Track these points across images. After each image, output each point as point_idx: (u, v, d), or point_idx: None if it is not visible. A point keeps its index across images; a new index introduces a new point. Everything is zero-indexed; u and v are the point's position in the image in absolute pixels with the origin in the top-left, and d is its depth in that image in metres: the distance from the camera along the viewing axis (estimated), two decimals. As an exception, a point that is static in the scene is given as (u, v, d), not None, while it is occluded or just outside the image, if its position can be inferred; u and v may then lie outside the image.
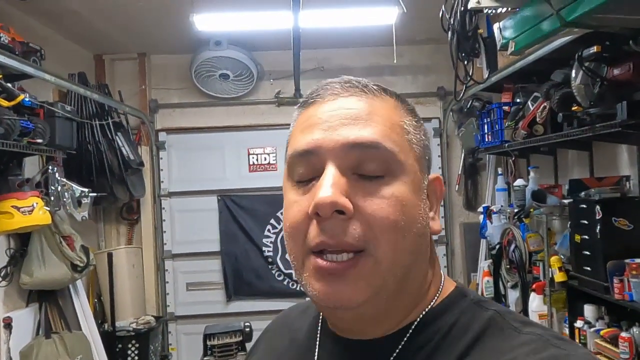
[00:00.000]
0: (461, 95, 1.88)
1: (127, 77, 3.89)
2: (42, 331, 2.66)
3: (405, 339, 0.57)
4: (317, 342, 0.64)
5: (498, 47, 1.29)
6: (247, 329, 2.60)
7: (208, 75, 3.73)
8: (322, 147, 0.54)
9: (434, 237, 0.64)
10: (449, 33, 1.59)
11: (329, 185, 0.52)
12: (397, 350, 0.56)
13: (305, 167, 0.56)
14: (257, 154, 3.99)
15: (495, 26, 1.28)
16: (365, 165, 0.54)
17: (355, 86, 0.58)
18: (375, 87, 0.59)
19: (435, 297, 0.60)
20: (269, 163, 3.98)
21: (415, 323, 0.57)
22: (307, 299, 0.78)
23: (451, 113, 3.88)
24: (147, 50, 3.86)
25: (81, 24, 3.19)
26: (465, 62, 1.67)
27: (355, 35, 3.51)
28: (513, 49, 1.22)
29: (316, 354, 0.63)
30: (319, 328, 0.65)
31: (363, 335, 0.58)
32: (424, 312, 0.58)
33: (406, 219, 0.54)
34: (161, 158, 3.95)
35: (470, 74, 1.70)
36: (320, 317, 0.66)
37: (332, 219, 0.52)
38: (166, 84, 3.95)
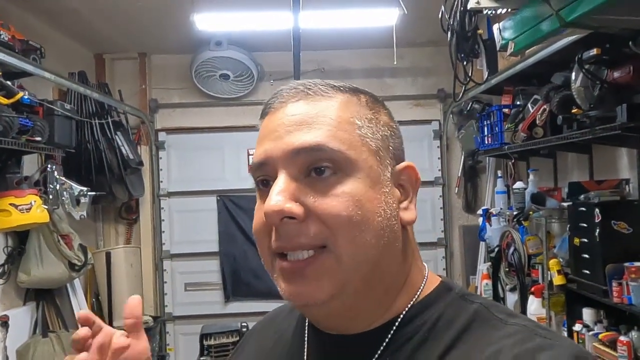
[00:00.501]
0: (460, 96, 1.88)
1: (128, 76, 3.89)
2: (39, 330, 2.65)
3: (392, 332, 0.57)
4: (306, 339, 0.64)
5: (498, 48, 1.29)
6: (244, 330, 2.61)
7: (208, 75, 3.73)
8: (272, 157, 0.56)
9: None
10: (449, 33, 1.59)
11: (276, 193, 0.53)
12: (384, 344, 0.57)
13: (264, 176, 0.58)
14: (256, 155, 3.98)
15: (495, 27, 1.28)
16: (314, 166, 0.55)
17: (301, 90, 0.59)
18: (322, 86, 0.59)
19: (419, 291, 0.60)
20: (268, 164, 3.97)
21: (401, 316, 0.58)
22: None
23: (451, 115, 3.88)
24: (147, 50, 3.86)
25: (81, 23, 3.19)
26: (465, 63, 1.67)
27: (355, 36, 3.51)
28: (512, 50, 1.22)
29: (305, 351, 0.63)
30: (307, 325, 0.65)
31: (347, 331, 0.59)
32: (409, 306, 0.58)
33: (362, 214, 0.54)
34: (160, 158, 3.94)
35: (470, 74, 1.70)
36: None
37: (285, 224, 0.53)
38: (166, 83, 3.95)
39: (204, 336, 2.57)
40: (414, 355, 0.55)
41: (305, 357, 0.63)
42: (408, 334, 0.57)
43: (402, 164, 0.60)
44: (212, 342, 2.55)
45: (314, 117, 0.57)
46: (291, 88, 0.60)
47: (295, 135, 0.56)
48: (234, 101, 3.95)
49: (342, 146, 0.55)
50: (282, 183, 0.54)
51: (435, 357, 0.54)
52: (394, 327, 0.57)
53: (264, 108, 0.62)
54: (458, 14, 1.52)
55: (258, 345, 0.73)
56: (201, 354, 2.56)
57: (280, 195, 0.53)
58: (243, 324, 2.64)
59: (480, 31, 1.58)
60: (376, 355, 0.57)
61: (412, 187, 0.60)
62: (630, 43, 1.14)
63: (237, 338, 2.56)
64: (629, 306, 1.91)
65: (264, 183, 0.58)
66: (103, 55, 3.83)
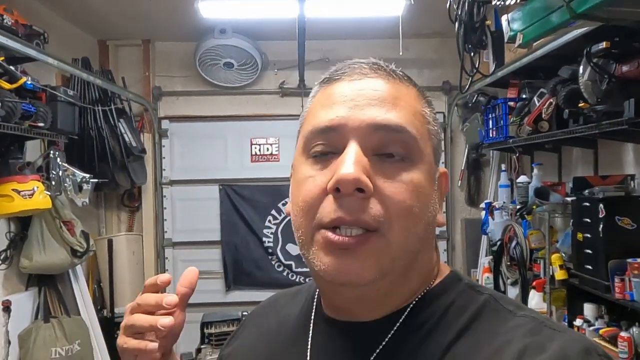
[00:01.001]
0: (467, 88, 1.86)
1: (131, 63, 3.87)
2: (41, 315, 2.66)
3: (401, 320, 0.57)
4: (311, 325, 0.63)
5: (506, 40, 1.27)
6: (245, 318, 2.62)
7: (212, 63, 3.70)
8: (346, 125, 0.54)
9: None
10: (456, 24, 1.57)
11: (353, 162, 0.51)
12: (392, 332, 0.56)
13: (325, 143, 0.55)
14: (259, 144, 3.97)
15: (504, 18, 1.26)
16: (387, 148, 0.54)
17: (383, 69, 0.58)
18: (401, 73, 0.60)
19: (432, 281, 0.60)
20: (271, 154, 3.96)
21: (412, 305, 0.58)
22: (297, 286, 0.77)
23: (456, 108, 3.86)
24: (151, 37, 3.84)
25: (85, 9, 3.17)
26: (472, 55, 1.65)
27: (361, 26, 3.48)
28: (521, 42, 1.20)
29: (310, 336, 0.62)
30: (313, 311, 0.64)
31: (359, 318, 0.58)
32: (420, 295, 0.58)
33: (420, 206, 0.54)
34: (163, 146, 3.94)
35: (477, 66, 1.68)
36: (315, 300, 0.66)
37: (351, 196, 0.51)
38: (170, 71, 3.93)
39: (204, 324, 2.58)
40: (423, 343, 0.55)
41: (309, 342, 0.62)
42: (418, 322, 0.56)
43: (442, 169, 0.61)
44: (212, 330, 2.56)
45: (396, 98, 0.56)
46: (372, 63, 0.59)
47: (378, 110, 0.54)
48: (237, 90, 3.93)
49: (417, 134, 0.55)
50: (357, 154, 0.52)
51: (444, 346, 0.53)
52: (405, 314, 0.57)
53: (332, 75, 0.59)
54: (466, 4, 1.50)
55: (258, 329, 0.72)
56: (202, 342, 2.57)
57: (357, 165, 0.51)
58: (244, 313, 2.65)
59: (488, 22, 1.55)
60: (384, 342, 0.56)
61: (441, 194, 0.61)
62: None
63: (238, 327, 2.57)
64: (630, 302, 1.91)
65: (324, 153, 0.55)
66: (107, 42, 3.81)
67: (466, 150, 3.83)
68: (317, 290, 0.66)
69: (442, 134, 3.89)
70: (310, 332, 0.63)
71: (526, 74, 2.71)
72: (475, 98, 3.26)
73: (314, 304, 0.65)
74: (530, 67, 2.56)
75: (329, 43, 3.79)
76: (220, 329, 2.55)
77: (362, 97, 0.55)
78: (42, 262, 2.60)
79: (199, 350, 2.54)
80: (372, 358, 0.56)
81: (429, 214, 0.56)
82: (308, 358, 0.60)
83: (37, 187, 2.31)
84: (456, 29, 1.56)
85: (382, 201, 0.52)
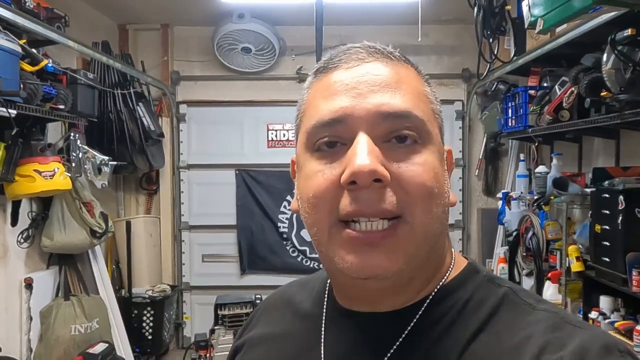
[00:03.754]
0: (485, 74, 1.83)
1: (150, 48, 3.90)
2: (61, 293, 2.74)
3: (420, 312, 0.55)
4: (324, 316, 0.62)
5: (526, 25, 1.24)
6: (258, 301, 2.65)
7: (230, 48, 3.71)
8: (352, 116, 0.52)
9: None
10: (475, 9, 1.54)
11: (366, 153, 0.49)
12: (412, 324, 0.55)
13: (330, 136, 0.53)
14: (276, 130, 3.98)
15: (524, 3, 1.23)
16: (397, 133, 0.52)
17: (380, 52, 0.56)
18: (398, 54, 0.57)
19: (449, 272, 0.59)
20: (287, 139, 3.97)
21: (431, 297, 0.56)
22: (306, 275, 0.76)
23: (475, 96, 3.80)
24: (170, 22, 3.85)
25: (105, -8, 3.19)
26: (491, 40, 1.62)
27: (379, 11, 3.43)
28: (542, 27, 1.17)
29: (323, 328, 0.61)
30: (325, 302, 0.63)
31: (377, 309, 0.57)
32: (438, 287, 0.57)
33: (438, 187, 0.53)
34: (181, 130, 3.98)
35: (496, 52, 1.65)
36: (327, 291, 0.64)
37: (367, 187, 0.50)
38: (188, 56, 3.95)
39: (218, 306, 2.63)
40: (443, 338, 0.53)
41: (322, 335, 0.60)
42: (437, 316, 0.55)
43: (447, 147, 0.59)
44: (226, 312, 2.60)
45: (398, 82, 0.54)
46: (369, 47, 0.56)
47: (382, 96, 0.52)
48: (255, 75, 3.93)
49: (424, 116, 0.54)
50: (369, 144, 0.50)
51: (464, 340, 0.52)
52: (423, 308, 0.56)
53: (327, 63, 0.57)
54: (486, -12, 1.47)
55: (273, 320, 0.70)
56: (215, 323, 2.62)
57: (371, 155, 0.49)
58: (257, 296, 2.69)
59: (508, 7, 1.52)
60: (403, 335, 0.55)
61: (449, 171, 0.59)
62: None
63: (251, 309, 2.60)
64: (648, 296, 1.88)
65: (330, 144, 0.53)
66: (126, 26, 3.84)
67: (484, 139, 3.78)
68: (329, 281, 0.64)
69: (461, 121, 3.87)
70: (324, 323, 0.61)
71: (548, 62, 2.65)
72: (495, 86, 3.20)
73: (326, 295, 0.64)
74: (552, 55, 2.50)
75: (347, 29, 3.75)
76: (233, 311, 2.59)
77: (363, 84, 0.53)
78: (62, 241, 2.66)
79: (212, 331, 2.59)
80: (392, 350, 0.55)
81: (445, 195, 0.54)
82: (322, 351, 0.58)
83: (58, 168, 2.36)
84: (475, 14, 1.53)
85: (400, 187, 0.51)
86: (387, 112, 0.52)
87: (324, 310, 0.62)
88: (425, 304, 0.56)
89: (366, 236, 0.50)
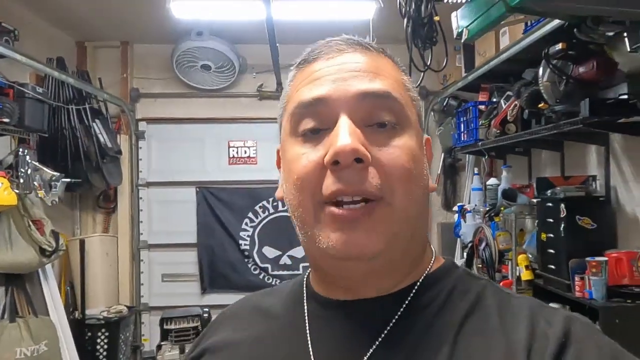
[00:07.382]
0: (419, 82, 1.88)
1: (110, 65, 3.87)
2: (7, 315, 2.63)
3: (409, 299, 0.57)
4: (305, 312, 0.60)
5: (454, 36, 1.30)
6: (206, 315, 2.60)
7: (190, 65, 3.71)
8: (332, 97, 0.54)
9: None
10: (405, 19, 1.60)
11: (348, 133, 0.51)
12: (400, 311, 0.56)
13: (313, 119, 0.55)
14: (237, 147, 3.98)
15: (453, 14, 1.29)
16: (377, 116, 0.54)
17: (359, 43, 0.59)
18: (376, 45, 0.60)
19: (431, 264, 0.61)
20: (249, 156, 3.97)
21: (418, 284, 0.58)
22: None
23: (432, 113, 3.89)
24: (130, 39, 3.84)
25: (63, 9, 3.16)
26: (423, 50, 1.68)
27: (334, 30, 3.45)
28: (466, 37, 1.22)
29: (307, 322, 0.59)
30: (305, 298, 0.62)
31: (362, 295, 0.57)
32: (424, 275, 0.59)
33: (416, 169, 0.55)
34: (140, 147, 3.93)
35: (429, 62, 1.71)
36: (304, 287, 0.63)
37: (349, 167, 0.51)
38: (148, 73, 3.93)
39: (164, 320, 2.56)
40: (433, 322, 0.55)
41: (307, 330, 0.59)
42: (424, 302, 0.56)
43: (426, 136, 0.62)
44: (172, 326, 2.55)
45: (377, 68, 0.56)
46: (345, 39, 0.59)
47: (362, 80, 0.55)
48: (215, 93, 3.93)
49: (402, 100, 0.56)
50: (350, 126, 0.52)
51: (455, 324, 0.54)
52: (411, 295, 0.57)
53: (309, 55, 0.59)
54: (413, 1, 1.53)
55: (240, 326, 0.65)
56: (162, 339, 2.55)
57: (353, 136, 0.51)
58: (205, 310, 2.64)
59: (436, 18, 1.58)
60: (393, 321, 0.55)
61: (428, 160, 0.62)
62: (575, 31, 1.15)
63: (198, 323, 2.55)
64: (589, 300, 1.93)
65: (314, 131, 0.55)
66: (85, 43, 3.81)
67: (442, 154, 3.86)
68: (305, 278, 0.65)
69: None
70: (306, 318, 0.60)
71: (497, 79, 2.76)
72: (446, 102, 3.29)
73: (304, 291, 0.63)
74: (500, 72, 2.61)
75: (304, 48, 3.80)
76: (180, 325, 2.53)
77: (344, 70, 0.55)
78: (9, 260, 2.57)
79: (159, 347, 2.52)
80: (383, 335, 0.54)
81: (424, 178, 0.57)
82: (310, 345, 0.57)
83: (2, 183, 2.30)
84: (404, 24, 1.59)
85: (380, 169, 0.52)
86: (367, 91, 0.54)
87: (304, 306, 0.61)
88: (413, 291, 0.57)
89: (349, 213, 0.51)
